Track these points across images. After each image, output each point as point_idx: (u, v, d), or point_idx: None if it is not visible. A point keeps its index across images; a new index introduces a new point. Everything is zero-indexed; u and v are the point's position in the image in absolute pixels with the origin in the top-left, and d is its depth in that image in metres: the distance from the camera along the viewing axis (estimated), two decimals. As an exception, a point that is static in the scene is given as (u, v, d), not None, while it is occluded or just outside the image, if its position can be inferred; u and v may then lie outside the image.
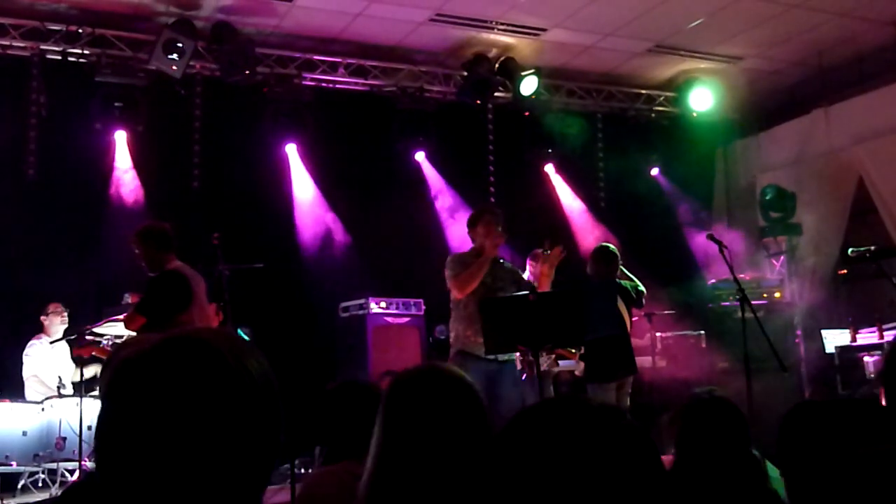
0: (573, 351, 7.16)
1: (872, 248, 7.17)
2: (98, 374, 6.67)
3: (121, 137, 8.33)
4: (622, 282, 6.85)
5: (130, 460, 1.08)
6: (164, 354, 1.13)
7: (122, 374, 1.13)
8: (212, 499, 1.09)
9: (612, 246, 6.98)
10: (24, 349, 7.54)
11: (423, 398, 2.03)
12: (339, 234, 9.06)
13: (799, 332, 9.34)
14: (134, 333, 5.74)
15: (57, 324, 7.51)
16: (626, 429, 1.12)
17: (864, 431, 1.79)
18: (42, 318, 7.53)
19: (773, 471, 3.06)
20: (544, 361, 6.84)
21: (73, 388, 7.14)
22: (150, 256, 5.62)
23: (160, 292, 5.56)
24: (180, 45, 7.81)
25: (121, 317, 6.81)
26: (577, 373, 7.33)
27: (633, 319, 7.14)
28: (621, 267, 6.88)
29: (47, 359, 7.50)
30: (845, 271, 9.73)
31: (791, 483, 1.90)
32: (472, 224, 6.15)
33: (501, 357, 5.75)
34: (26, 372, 7.47)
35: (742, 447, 2.82)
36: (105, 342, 6.54)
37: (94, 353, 6.11)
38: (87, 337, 6.42)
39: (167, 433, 1.08)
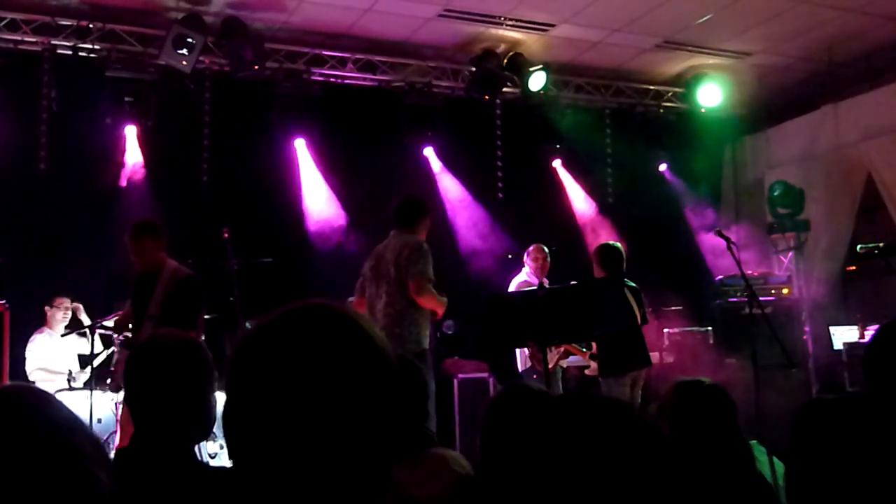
0: (584, 350, 7.12)
1: (881, 244, 7.16)
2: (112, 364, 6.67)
3: (131, 132, 8.37)
4: (629, 282, 6.74)
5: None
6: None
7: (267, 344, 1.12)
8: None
9: (618, 244, 6.86)
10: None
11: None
12: (348, 228, 9.07)
13: (807, 329, 9.31)
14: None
15: (59, 318, 7.54)
16: (640, 426, 1.13)
17: (873, 429, 1.80)
18: (45, 307, 7.57)
19: (759, 453, 3.09)
20: (552, 357, 6.82)
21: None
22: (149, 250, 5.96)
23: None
24: (190, 40, 7.82)
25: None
26: (587, 372, 7.26)
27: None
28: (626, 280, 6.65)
29: (55, 351, 7.51)
30: (854, 268, 9.73)
31: (796, 480, 1.90)
32: (423, 215, 6.25)
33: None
34: (29, 366, 7.47)
35: (731, 431, 2.85)
36: (116, 336, 6.57)
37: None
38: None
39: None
